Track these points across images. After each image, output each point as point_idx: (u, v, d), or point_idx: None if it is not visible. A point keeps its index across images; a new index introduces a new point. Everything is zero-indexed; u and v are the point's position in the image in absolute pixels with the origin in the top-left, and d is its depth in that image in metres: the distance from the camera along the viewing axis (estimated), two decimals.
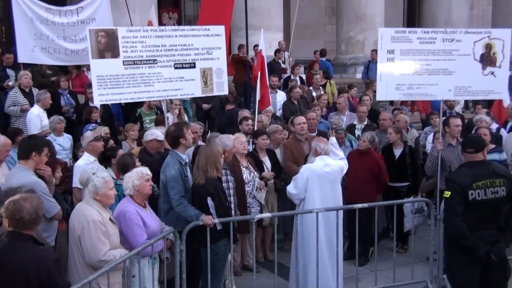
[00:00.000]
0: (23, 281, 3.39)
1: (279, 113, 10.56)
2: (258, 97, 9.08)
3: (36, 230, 4.31)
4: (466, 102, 13.73)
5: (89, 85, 8.84)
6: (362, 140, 7.28)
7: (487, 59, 6.50)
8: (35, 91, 8.81)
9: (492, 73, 6.52)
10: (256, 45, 11.30)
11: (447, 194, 4.83)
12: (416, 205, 7.03)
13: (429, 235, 6.34)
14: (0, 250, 3.49)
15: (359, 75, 15.48)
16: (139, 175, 4.73)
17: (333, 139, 6.62)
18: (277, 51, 14.34)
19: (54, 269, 3.48)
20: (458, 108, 11.28)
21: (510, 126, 8.94)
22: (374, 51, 13.93)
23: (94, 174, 4.43)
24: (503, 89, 6.68)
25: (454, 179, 4.92)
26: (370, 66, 13.88)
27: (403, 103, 10.76)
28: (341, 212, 5.96)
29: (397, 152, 7.56)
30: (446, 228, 5.24)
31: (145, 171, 4.83)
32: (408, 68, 6.46)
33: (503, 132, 8.63)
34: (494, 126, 8.85)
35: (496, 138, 8.06)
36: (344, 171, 6.31)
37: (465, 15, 19.18)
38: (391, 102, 10.50)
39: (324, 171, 6.00)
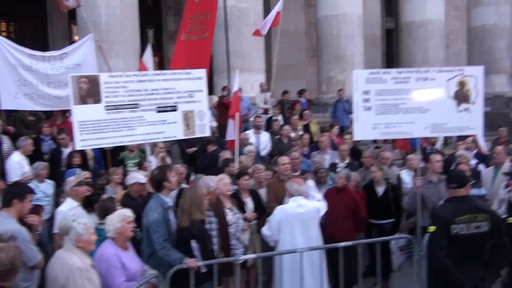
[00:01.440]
0: None
1: (264, 152, 10.64)
2: (235, 137, 9.15)
3: (15, 285, 4.25)
4: (445, 138, 13.96)
5: (60, 131, 8.91)
6: (339, 177, 7.37)
7: (461, 96, 6.64)
8: (3, 138, 8.71)
9: (467, 109, 6.66)
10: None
11: (432, 228, 4.89)
12: (402, 242, 7.06)
13: (413, 272, 6.36)
14: None
15: None
16: (121, 218, 4.75)
17: (310, 182, 6.69)
18: (284, 92, 14.77)
19: None
20: (438, 145, 11.46)
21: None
22: (341, 90, 14.29)
23: (74, 221, 4.42)
24: (478, 125, 6.79)
25: (437, 213, 4.99)
26: (337, 106, 14.12)
27: (385, 141, 10.92)
28: (322, 252, 5.98)
29: (380, 189, 7.63)
30: (430, 263, 5.28)
31: (127, 213, 4.85)
32: (384, 107, 6.60)
33: (481, 167, 8.79)
34: (473, 161, 9.02)
35: (475, 173, 8.20)
36: (322, 212, 6.35)
37: (441, 54, 19.66)
38: (374, 140, 10.64)
39: (297, 212, 6.05)
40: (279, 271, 5.83)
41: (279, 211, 6.13)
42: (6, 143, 8.70)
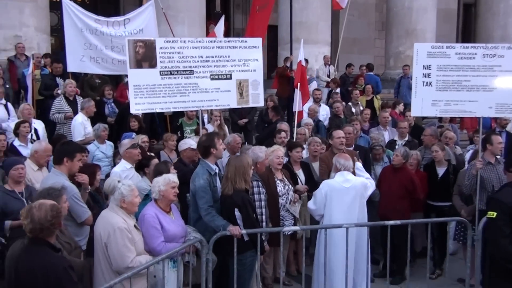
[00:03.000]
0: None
1: None
2: (298, 109, 9.05)
3: (68, 233, 4.42)
4: None
5: None
6: (395, 155, 7.11)
7: None
8: (79, 99, 9.11)
9: None
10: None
11: (493, 214, 4.63)
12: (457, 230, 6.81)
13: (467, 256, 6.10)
14: (16, 253, 3.50)
15: None
16: (166, 181, 4.84)
17: (358, 165, 6.51)
18: (348, 66, 14.54)
19: (64, 278, 3.38)
20: (509, 127, 10.81)
21: None
22: (406, 66, 13.71)
23: (119, 181, 4.52)
24: None
25: (500, 198, 4.72)
26: (401, 82, 13.59)
27: (452, 120, 10.45)
28: (365, 229, 5.86)
29: (441, 170, 7.30)
30: (486, 249, 5.03)
31: (172, 178, 4.93)
32: (445, 84, 6.32)
33: None
34: None
35: None
36: (370, 190, 6.17)
37: None
38: (440, 119, 10.21)
39: (343, 187, 5.92)
40: (322, 244, 5.74)
41: (325, 185, 6.03)
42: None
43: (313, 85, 12.66)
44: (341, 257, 5.54)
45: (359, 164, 6.53)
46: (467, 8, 23.15)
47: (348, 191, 5.93)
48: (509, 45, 6.50)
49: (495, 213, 4.60)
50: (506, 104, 6.35)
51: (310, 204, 6.13)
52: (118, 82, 11.58)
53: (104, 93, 9.60)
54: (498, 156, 6.67)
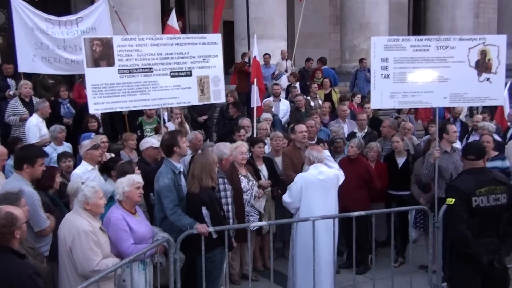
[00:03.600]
0: None
1: (283, 120, 10.54)
2: (256, 104, 9.05)
3: (27, 239, 4.27)
4: (471, 109, 13.63)
5: None
6: (350, 146, 7.25)
7: (483, 65, 6.49)
8: (35, 100, 8.81)
9: (488, 79, 6.50)
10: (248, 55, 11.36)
11: (451, 201, 4.78)
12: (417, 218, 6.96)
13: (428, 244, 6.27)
14: None
15: None
16: (129, 182, 4.74)
17: (325, 152, 6.59)
18: (307, 60, 14.51)
19: (30, 284, 3.25)
20: (462, 116, 11.16)
21: (511, 134, 8.88)
22: (363, 59, 13.97)
23: (83, 183, 4.41)
24: (499, 95, 6.64)
25: (457, 185, 4.87)
26: (358, 75, 13.82)
27: (409, 111, 10.69)
28: (336, 220, 5.91)
29: (400, 160, 7.48)
30: (447, 236, 5.20)
31: (137, 178, 4.83)
32: (402, 76, 6.45)
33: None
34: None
35: (499, 146, 7.98)
36: (341, 180, 6.26)
37: (469, 23, 19.13)
38: (398, 110, 10.44)
39: (318, 179, 5.96)
40: (298, 238, 5.79)
41: (300, 179, 6.04)
42: None
43: (283, 79, 12.71)
44: (321, 249, 5.59)
45: (326, 152, 6.60)
46: (417, 1, 23.75)
47: (323, 183, 5.98)
48: (460, 37, 6.71)
49: (453, 200, 4.76)
50: (459, 94, 6.55)
51: (286, 197, 6.13)
52: (72, 82, 11.28)
53: (59, 94, 9.33)
54: (454, 145, 6.88)
